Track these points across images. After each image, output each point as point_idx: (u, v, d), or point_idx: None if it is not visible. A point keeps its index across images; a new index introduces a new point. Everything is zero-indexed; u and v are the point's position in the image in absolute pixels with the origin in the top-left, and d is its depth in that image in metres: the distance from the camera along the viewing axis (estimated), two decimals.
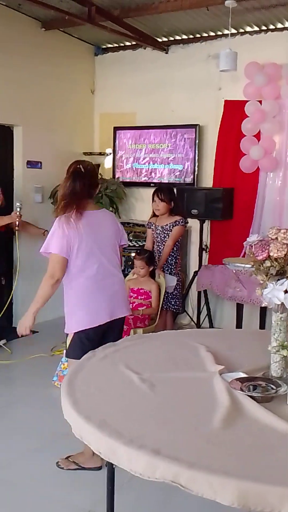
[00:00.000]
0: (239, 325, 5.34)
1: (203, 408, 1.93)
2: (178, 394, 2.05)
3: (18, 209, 4.90)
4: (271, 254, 2.09)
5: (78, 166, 3.04)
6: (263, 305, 4.86)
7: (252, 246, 2.19)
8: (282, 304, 2.12)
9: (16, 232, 5.09)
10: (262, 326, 5.49)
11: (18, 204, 4.96)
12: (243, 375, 2.20)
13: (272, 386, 2.07)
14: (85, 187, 2.98)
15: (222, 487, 1.47)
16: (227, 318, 5.92)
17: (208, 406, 1.93)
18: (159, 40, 6.15)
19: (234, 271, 4.99)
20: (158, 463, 1.56)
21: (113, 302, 3.04)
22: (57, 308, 6.15)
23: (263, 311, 5.54)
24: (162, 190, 4.91)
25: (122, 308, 3.11)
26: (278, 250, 2.07)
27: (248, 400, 1.96)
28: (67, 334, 3.11)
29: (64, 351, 3.47)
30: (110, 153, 6.57)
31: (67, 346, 3.09)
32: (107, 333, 3.03)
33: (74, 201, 2.93)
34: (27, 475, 3.08)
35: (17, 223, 4.93)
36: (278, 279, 2.12)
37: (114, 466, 2.19)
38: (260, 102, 5.51)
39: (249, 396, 1.99)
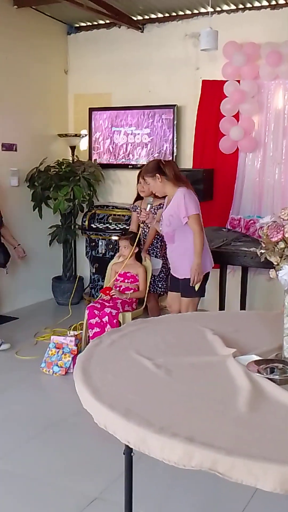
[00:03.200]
0: (222, 307, 5.34)
1: (225, 392, 1.91)
2: (196, 379, 2.02)
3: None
4: (286, 235, 2.07)
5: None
6: None
7: (264, 228, 2.17)
8: None
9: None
10: (243, 308, 5.54)
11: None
12: (256, 357, 2.19)
13: None
14: None
15: (264, 473, 1.45)
16: (209, 298, 5.92)
17: (230, 391, 1.91)
18: (134, 18, 6.03)
19: None
20: (194, 451, 1.53)
21: None
22: (34, 294, 6.12)
23: (244, 293, 5.58)
24: None
25: None
26: None
27: (268, 383, 1.95)
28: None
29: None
30: (86, 135, 6.45)
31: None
32: None
33: None
34: (28, 464, 3.03)
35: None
36: None
37: (132, 453, 2.17)
38: (239, 82, 5.48)
39: (268, 378, 1.98)
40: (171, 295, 4.23)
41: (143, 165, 5.75)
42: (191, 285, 3.95)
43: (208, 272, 4.09)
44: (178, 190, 3.94)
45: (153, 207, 4.29)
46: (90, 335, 4.35)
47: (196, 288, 3.97)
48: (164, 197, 4.13)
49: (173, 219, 3.93)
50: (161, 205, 4.56)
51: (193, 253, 3.93)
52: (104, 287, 4.79)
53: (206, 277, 4.06)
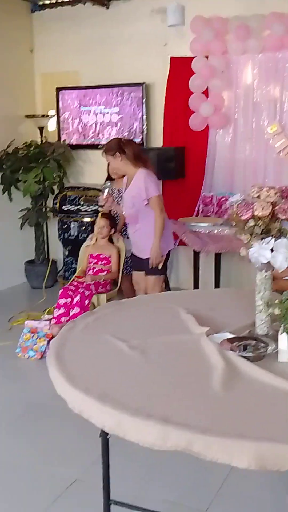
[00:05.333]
0: (196, 285, 5.35)
1: (199, 371, 1.91)
2: (170, 360, 2.02)
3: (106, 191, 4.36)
4: (256, 213, 2.06)
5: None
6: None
7: (234, 206, 2.16)
8: (267, 262, 2.11)
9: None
10: (217, 285, 5.57)
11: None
12: (230, 335, 2.20)
13: (261, 344, 2.08)
14: None
15: (239, 451, 1.46)
16: (182, 278, 5.96)
17: (203, 369, 1.91)
18: None
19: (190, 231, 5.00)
20: (170, 432, 1.53)
21: None
22: (7, 278, 6.05)
23: (218, 270, 5.59)
24: None
25: None
26: (263, 209, 2.05)
27: (242, 360, 1.96)
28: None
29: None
30: (54, 115, 6.34)
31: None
32: None
33: None
34: (6, 450, 3.02)
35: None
36: (263, 238, 2.11)
37: (108, 436, 2.17)
38: (207, 57, 5.43)
39: (241, 356, 1.99)
40: (136, 274, 4.32)
41: None
42: (150, 267, 4.05)
43: (170, 250, 4.22)
44: (138, 171, 3.99)
45: (113, 191, 4.29)
46: (55, 316, 4.32)
47: (160, 266, 4.08)
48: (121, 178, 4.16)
49: (136, 200, 3.99)
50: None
51: None
52: (77, 270, 4.75)
53: (168, 255, 4.19)
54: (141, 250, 4.15)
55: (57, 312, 4.33)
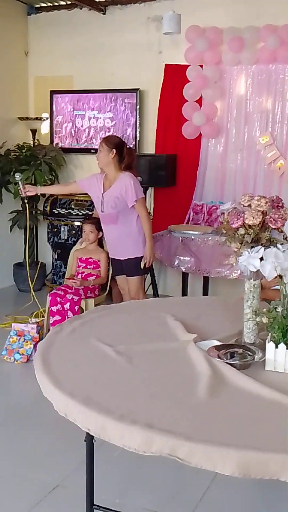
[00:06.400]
0: (184, 293, 5.36)
1: (185, 378, 1.91)
2: (157, 366, 2.02)
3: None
4: (246, 221, 2.07)
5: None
6: (212, 276, 4.96)
7: (225, 214, 2.17)
8: (256, 271, 2.12)
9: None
10: (206, 293, 5.57)
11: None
12: (217, 343, 2.20)
13: (248, 353, 2.08)
14: None
15: (222, 458, 1.46)
16: (170, 285, 5.96)
17: (190, 376, 1.92)
18: (96, 0, 5.92)
19: (180, 239, 5.01)
20: (154, 438, 1.53)
21: None
22: None
23: (206, 278, 5.61)
24: None
25: None
26: (253, 218, 2.06)
27: (228, 368, 1.96)
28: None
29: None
30: (47, 118, 6.34)
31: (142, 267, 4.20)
32: None
33: None
34: None
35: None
36: (252, 247, 2.12)
37: (94, 440, 2.16)
38: (202, 66, 5.46)
39: (228, 363, 2.00)
40: (120, 279, 4.38)
41: None
42: (147, 266, 4.17)
43: None
44: (123, 173, 4.06)
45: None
46: (51, 322, 4.32)
47: (142, 266, 4.17)
48: None
49: (119, 202, 4.06)
50: None
51: (137, 235, 4.12)
52: (66, 274, 4.74)
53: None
54: (119, 251, 4.20)
55: (52, 320, 4.31)
